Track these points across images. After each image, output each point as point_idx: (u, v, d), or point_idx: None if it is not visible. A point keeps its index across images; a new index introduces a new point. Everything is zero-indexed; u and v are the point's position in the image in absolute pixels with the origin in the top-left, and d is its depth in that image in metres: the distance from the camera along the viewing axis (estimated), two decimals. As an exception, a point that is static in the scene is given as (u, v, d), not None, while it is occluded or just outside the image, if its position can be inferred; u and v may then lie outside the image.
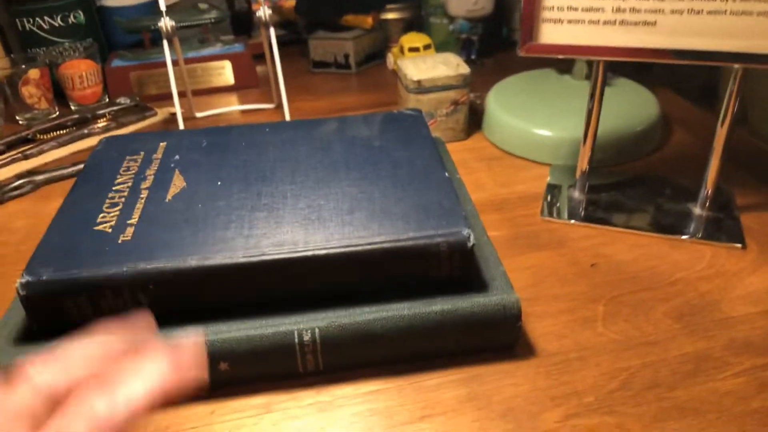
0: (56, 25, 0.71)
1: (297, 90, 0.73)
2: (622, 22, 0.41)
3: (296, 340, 0.33)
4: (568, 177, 0.53)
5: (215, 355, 0.33)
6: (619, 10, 0.41)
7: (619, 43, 0.42)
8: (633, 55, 0.42)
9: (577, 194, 0.50)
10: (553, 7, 0.42)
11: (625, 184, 0.52)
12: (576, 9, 0.42)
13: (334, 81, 0.77)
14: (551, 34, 0.43)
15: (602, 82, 0.46)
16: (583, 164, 0.49)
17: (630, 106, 0.58)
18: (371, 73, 0.78)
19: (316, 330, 0.34)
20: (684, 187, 0.51)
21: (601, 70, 0.45)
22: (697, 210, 0.48)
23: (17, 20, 0.71)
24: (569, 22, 0.42)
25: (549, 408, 0.33)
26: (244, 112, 0.70)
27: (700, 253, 0.44)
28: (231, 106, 0.71)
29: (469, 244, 0.35)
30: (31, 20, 0.71)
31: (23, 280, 0.33)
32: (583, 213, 0.48)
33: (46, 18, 0.71)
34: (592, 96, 0.46)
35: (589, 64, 0.61)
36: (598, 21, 0.42)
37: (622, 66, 0.50)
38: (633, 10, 0.41)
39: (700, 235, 0.45)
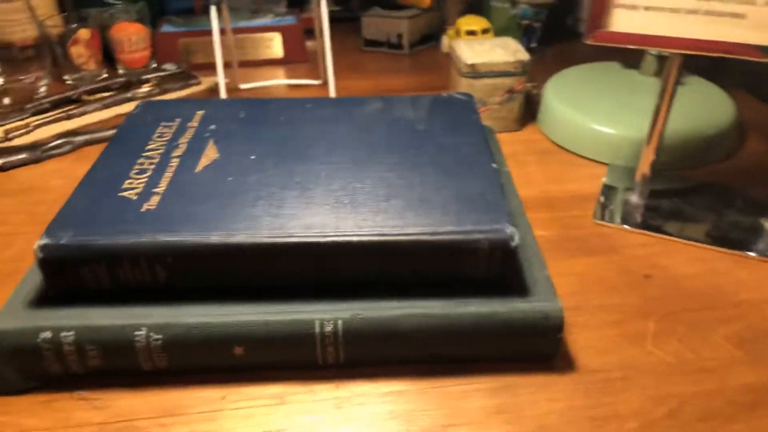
0: (110, -14, 0.71)
1: (346, 68, 0.71)
2: (706, 12, 0.37)
3: (317, 330, 0.31)
4: (627, 179, 0.49)
5: (230, 338, 0.31)
6: (703, -3, 0.37)
7: (701, 36, 0.38)
8: (715, 49, 0.37)
9: (635, 198, 0.46)
10: (628, -10, 0.38)
11: (689, 191, 0.48)
12: (654, -7, 0.38)
13: (385, 61, 0.74)
14: (624, 21, 0.39)
15: (675, 79, 0.41)
16: (644, 166, 0.45)
17: (701, 107, 0.53)
18: (424, 55, 0.75)
19: (339, 321, 0.31)
20: (756, 200, 0.46)
21: (676, 64, 0.41)
22: (769, 226, 0.43)
23: (73, -21, 0.71)
24: (646, 9, 0.38)
25: (586, 429, 0.30)
26: (289, 86, 0.68)
27: (771, 274, 0.39)
28: (276, 80, 0.69)
29: (512, 244, 0.31)
30: (86, -20, 0.70)
31: (41, 243, 0.32)
32: (640, 219, 0.44)
33: (100, -22, 0.70)
34: (662, 93, 0.42)
35: (660, 59, 0.56)
36: (679, 9, 0.38)
37: (695, 63, 0.45)
38: (720, -2, 0.36)
39: (771, 254, 0.41)
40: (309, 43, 0.75)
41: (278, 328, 0.31)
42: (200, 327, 0.31)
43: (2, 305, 0.33)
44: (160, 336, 0.31)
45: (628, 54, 0.57)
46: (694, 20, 0.38)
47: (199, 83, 0.65)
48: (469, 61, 0.53)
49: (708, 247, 0.42)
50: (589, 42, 0.41)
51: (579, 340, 0.35)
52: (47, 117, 0.58)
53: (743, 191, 0.47)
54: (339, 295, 0.32)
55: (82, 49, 0.67)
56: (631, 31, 0.39)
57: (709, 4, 0.37)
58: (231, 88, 0.64)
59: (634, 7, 0.39)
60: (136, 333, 0.31)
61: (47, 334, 0.31)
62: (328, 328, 0.31)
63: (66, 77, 0.68)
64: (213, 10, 0.55)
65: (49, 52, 0.65)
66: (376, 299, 0.32)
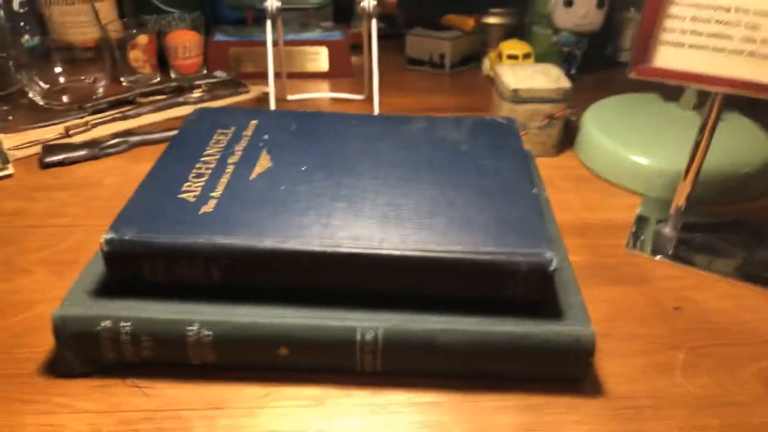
0: (169, -5, 0.74)
1: (388, 84, 0.73)
2: (750, 54, 0.38)
3: (358, 338, 0.33)
4: (661, 210, 0.50)
5: (276, 339, 0.33)
6: (749, 39, 0.38)
7: (744, 76, 0.39)
8: (758, 91, 0.39)
9: (668, 230, 0.47)
10: (674, 29, 0.40)
11: (723, 226, 0.48)
12: (700, 34, 0.39)
13: (426, 79, 0.76)
14: (668, 57, 0.40)
15: (717, 115, 0.42)
16: (680, 199, 0.46)
17: (739, 144, 0.54)
18: (465, 76, 0.77)
19: (380, 331, 0.33)
20: (791, 240, 0.46)
21: (718, 102, 0.42)
22: (803, 267, 0.44)
23: (134, -14, 0.74)
24: (690, 47, 0.40)
25: (612, 454, 0.31)
26: (333, 100, 0.70)
27: (802, 314, 0.40)
28: (322, 93, 0.71)
29: (551, 268, 0.33)
30: (147, -12, 0.74)
31: (107, 237, 0.34)
32: (672, 251, 0.45)
33: (161, -13, 0.74)
34: (702, 129, 0.43)
35: (700, 93, 0.57)
36: (724, 49, 0.39)
37: (734, 99, 0.46)
38: (765, 41, 0.38)
39: (803, 295, 0.41)
40: (353, 58, 0.77)
41: (322, 332, 0.33)
42: (249, 327, 0.33)
43: (66, 293, 0.35)
44: (210, 332, 0.33)
45: (668, 87, 0.58)
46: (737, 60, 0.39)
47: (248, 91, 0.68)
48: (512, 86, 0.54)
49: (739, 283, 0.42)
50: (632, 76, 0.42)
51: (608, 366, 0.36)
52: (105, 116, 0.61)
53: (778, 230, 0.48)
54: (381, 305, 0.34)
55: (139, 54, 0.70)
56: (676, 68, 0.41)
57: (753, 46, 0.38)
58: (279, 99, 0.67)
59: (679, 45, 0.40)
60: (189, 328, 0.33)
61: (107, 323, 0.33)
62: (369, 337, 0.33)
63: (122, 79, 0.72)
64: (269, 23, 0.58)
65: (108, 55, 0.68)
66: (415, 312, 0.34)
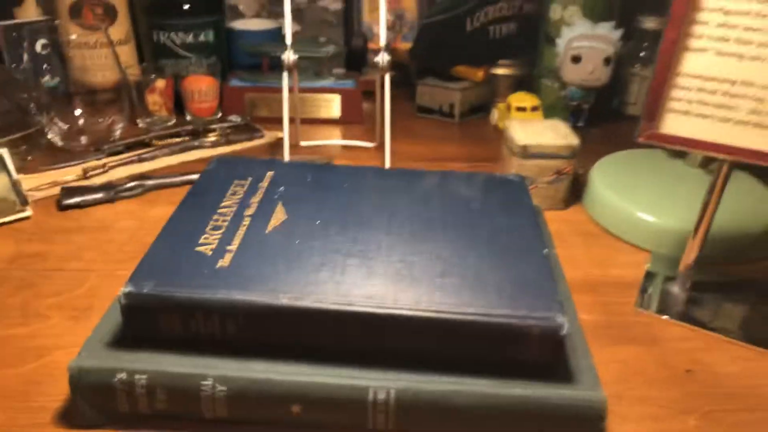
0: (187, 41, 0.76)
1: (398, 132, 0.74)
2: (756, 124, 0.39)
3: (370, 397, 0.33)
4: (670, 268, 0.50)
5: (289, 396, 0.33)
6: (755, 111, 0.39)
7: (750, 145, 0.40)
8: (764, 159, 0.40)
9: (677, 289, 0.48)
10: (681, 99, 0.41)
11: (732, 286, 0.49)
12: (707, 104, 0.40)
13: (435, 128, 0.77)
14: (676, 125, 0.41)
15: (724, 180, 0.43)
16: (688, 258, 0.47)
17: (747, 204, 0.55)
18: (473, 125, 0.79)
19: (392, 391, 0.33)
20: (798, 302, 0.47)
21: (726, 167, 0.43)
22: (811, 331, 0.44)
23: (154, 32, 0.76)
24: (697, 115, 0.41)
25: None
26: (345, 146, 0.71)
27: (812, 380, 0.40)
28: (334, 139, 0.73)
29: (562, 333, 0.33)
30: (166, 34, 0.76)
31: (126, 290, 0.34)
32: (681, 311, 0.46)
33: (180, 34, 0.76)
34: (711, 190, 0.44)
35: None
36: (730, 120, 0.40)
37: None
38: (771, 113, 0.39)
39: (812, 360, 0.41)
40: (364, 105, 0.79)
41: (334, 391, 0.33)
42: (263, 383, 0.33)
43: (83, 343, 0.35)
44: (224, 387, 0.33)
45: (675, 145, 0.59)
46: (744, 130, 0.40)
47: (262, 136, 0.69)
48: (522, 142, 0.55)
49: (749, 346, 0.43)
50: (640, 140, 0.43)
51: (619, 430, 0.36)
52: (122, 159, 0.63)
53: (785, 292, 0.48)
54: (393, 364, 0.34)
55: (157, 97, 0.72)
56: (682, 135, 0.42)
57: (759, 117, 0.39)
58: (292, 144, 0.68)
59: (686, 113, 0.41)
60: (203, 382, 0.33)
61: (123, 376, 0.33)
62: (381, 396, 0.33)
63: (139, 121, 0.73)
64: (285, 73, 0.60)
65: (127, 97, 0.70)
66: (427, 372, 0.34)
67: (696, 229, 0.45)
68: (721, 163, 0.43)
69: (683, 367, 0.40)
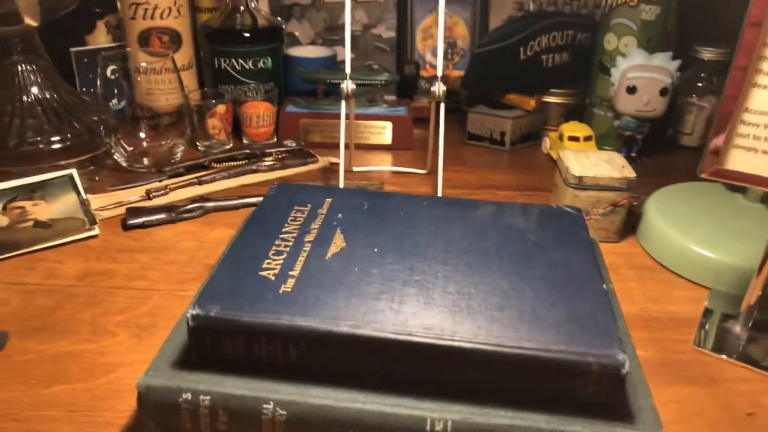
0: (247, 67, 0.79)
1: (448, 159, 0.75)
2: (826, 163, 0.38)
3: (428, 428, 0.33)
4: (730, 306, 0.49)
5: (347, 423, 0.34)
6: (825, 150, 0.38)
7: (820, 184, 0.39)
8: (835, 199, 0.39)
9: (738, 328, 0.46)
10: (748, 135, 0.40)
11: (795, 327, 0.47)
12: (775, 141, 0.40)
13: (486, 155, 0.78)
14: (741, 161, 0.41)
15: (790, 217, 0.42)
16: (752, 297, 0.46)
17: (811, 242, 0.53)
18: (524, 153, 0.79)
19: (449, 422, 0.33)
20: None
21: (791, 205, 0.42)
22: None
23: (215, 59, 0.80)
24: (764, 152, 0.40)
25: None
26: (395, 173, 0.72)
27: None
28: (385, 165, 0.74)
29: (623, 371, 0.33)
30: (227, 60, 0.79)
31: (194, 312, 0.36)
32: (742, 351, 0.44)
33: (240, 60, 0.79)
34: (774, 228, 0.43)
35: (768, 187, 0.57)
36: (799, 157, 0.39)
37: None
38: (843, 152, 0.38)
39: None
40: (415, 131, 0.80)
41: (392, 420, 0.34)
42: (322, 409, 0.34)
43: (151, 361, 0.37)
44: (284, 412, 0.34)
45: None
46: (813, 169, 0.39)
47: (316, 161, 0.71)
48: (577, 174, 0.55)
49: (816, 391, 0.41)
50: (703, 176, 0.42)
51: (678, 472, 0.35)
52: (182, 181, 0.65)
53: None
54: (451, 395, 0.34)
55: (217, 122, 0.74)
56: (748, 171, 0.41)
57: (830, 156, 0.38)
58: (345, 170, 0.69)
59: (753, 150, 0.41)
60: (264, 406, 0.34)
61: (188, 396, 0.35)
62: (438, 428, 0.33)
63: (198, 143, 0.76)
64: (343, 102, 0.61)
65: (188, 121, 0.73)
66: (485, 404, 0.34)
67: (760, 267, 0.44)
68: (788, 202, 0.42)
69: (744, 410, 0.39)
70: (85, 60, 0.83)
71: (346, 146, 0.69)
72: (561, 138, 0.72)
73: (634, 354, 0.39)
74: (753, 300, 0.45)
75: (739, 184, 0.42)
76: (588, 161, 0.57)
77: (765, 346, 0.45)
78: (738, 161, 0.41)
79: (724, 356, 0.44)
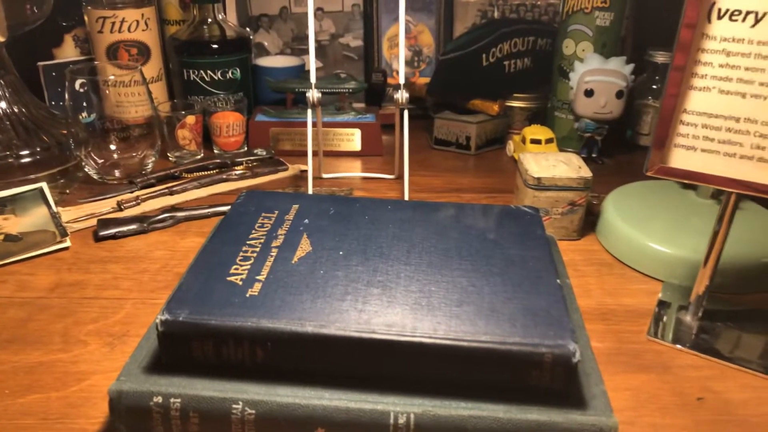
0: (216, 78, 0.80)
1: (416, 164, 0.77)
2: (760, 159, 0.41)
3: (391, 421, 0.35)
4: (681, 297, 0.51)
5: (314, 420, 0.35)
6: (758, 147, 0.41)
7: (754, 179, 0.41)
8: (766, 192, 0.41)
9: (689, 318, 0.49)
10: (688, 134, 0.43)
11: (743, 315, 0.50)
12: (712, 140, 0.42)
13: (452, 160, 0.80)
14: (683, 159, 0.43)
15: (732, 210, 0.45)
16: (700, 287, 0.48)
17: (757, 234, 0.56)
18: (489, 157, 0.81)
19: (412, 415, 0.35)
20: (810, 331, 0.48)
21: (733, 199, 0.44)
22: (822, 360, 0.45)
23: (184, 70, 0.81)
24: (703, 150, 0.43)
25: None
26: (365, 178, 0.74)
27: (822, 408, 0.41)
28: (354, 172, 0.75)
29: (574, 360, 0.35)
30: (196, 72, 0.80)
31: (163, 318, 0.37)
32: (693, 340, 0.47)
33: (208, 71, 0.80)
34: (719, 220, 0.46)
35: (718, 183, 0.59)
36: (735, 154, 0.42)
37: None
38: (774, 149, 0.40)
39: (823, 389, 0.42)
40: (384, 137, 0.82)
41: (357, 415, 0.35)
42: (289, 407, 0.35)
43: (122, 367, 0.38)
44: (253, 411, 0.35)
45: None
46: (748, 165, 0.42)
47: (286, 169, 0.72)
48: (536, 175, 0.57)
49: (759, 374, 0.44)
50: (649, 174, 0.45)
51: (631, 455, 0.37)
52: (154, 192, 0.66)
53: (797, 321, 0.49)
54: (413, 390, 0.36)
55: (186, 132, 0.75)
56: (689, 169, 0.43)
57: (762, 152, 0.41)
58: (315, 176, 0.71)
59: (693, 148, 0.43)
60: (234, 406, 0.36)
61: (159, 399, 0.36)
62: (402, 421, 0.35)
63: (169, 154, 0.77)
64: (309, 111, 0.63)
65: (158, 132, 0.73)
66: (445, 397, 0.36)
67: (706, 259, 0.47)
68: (728, 195, 0.44)
69: (694, 395, 0.42)
70: (53, 74, 0.83)
71: (315, 153, 0.71)
72: (524, 141, 0.75)
73: (587, 344, 0.41)
74: (701, 290, 0.48)
75: (681, 180, 0.44)
76: (546, 163, 0.59)
77: (715, 334, 0.48)
78: (680, 159, 0.44)
79: (675, 345, 0.46)
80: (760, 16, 0.39)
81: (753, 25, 0.40)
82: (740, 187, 0.42)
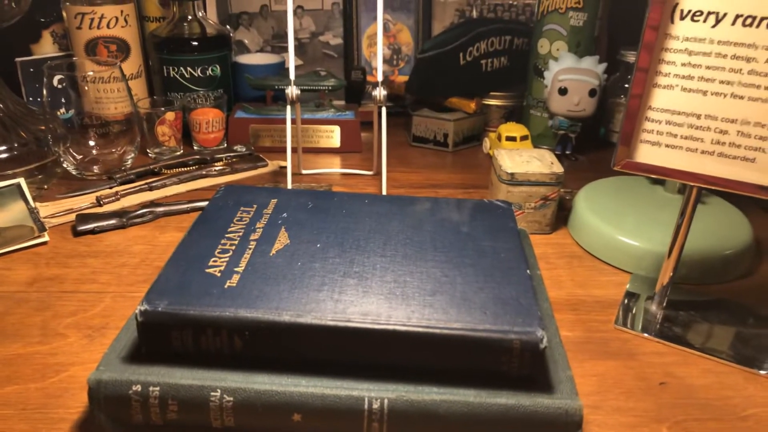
0: (196, 75, 0.81)
1: (394, 160, 0.78)
2: (720, 154, 0.43)
3: (366, 407, 0.36)
4: (648, 288, 0.53)
5: (291, 406, 0.36)
6: (718, 142, 0.43)
7: (715, 173, 0.43)
8: (728, 186, 0.43)
9: (654, 308, 0.51)
10: (652, 131, 0.44)
11: (706, 305, 0.52)
12: (675, 135, 0.44)
13: (430, 156, 0.81)
14: (648, 154, 0.45)
15: (694, 203, 0.47)
16: (664, 278, 0.50)
17: (721, 227, 0.58)
18: (466, 154, 0.82)
19: (386, 401, 0.36)
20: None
21: (695, 192, 0.46)
22: (779, 346, 0.47)
23: (164, 67, 0.81)
24: (667, 146, 0.44)
25: None
26: (344, 174, 0.75)
27: (777, 392, 0.43)
28: (333, 168, 0.76)
29: (541, 346, 0.36)
30: (176, 69, 0.80)
31: (142, 308, 0.38)
32: (658, 328, 0.49)
33: (188, 68, 0.80)
34: (682, 213, 0.47)
35: (684, 179, 0.62)
36: (696, 150, 0.43)
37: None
38: (732, 144, 0.42)
39: (779, 373, 0.44)
40: (363, 134, 0.83)
41: (332, 401, 0.36)
42: (266, 394, 0.36)
43: (101, 357, 0.38)
44: (231, 398, 0.36)
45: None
46: (709, 159, 0.43)
47: (266, 165, 0.73)
48: (509, 170, 0.59)
49: (720, 361, 0.45)
50: (616, 168, 0.46)
51: (596, 437, 0.39)
52: (133, 187, 0.66)
53: (756, 310, 0.51)
54: (387, 376, 0.37)
55: (166, 129, 0.76)
56: (655, 164, 0.45)
57: (722, 147, 0.43)
58: (294, 173, 0.72)
59: (657, 144, 0.45)
60: (212, 393, 0.36)
61: (138, 387, 0.36)
62: (376, 406, 0.36)
63: (149, 151, 0.77)
64: (288, 107, 0.64)
65: (138, 129, 0.74)
66: (419, 383, 0.37)
67: (670, 251, 0.49)
68: (690, 189, 0.46)
69: (657, 380, 0.43)
70: (31, 70, 0.83)
71: (294, 150, 0.72)
72: (499, 138, 0.76)
73: (556, 332, 0.43)
74: (666, 281, 0.50)
75: (646, 175, 0.46)
76: (520, 158, 0.61)
77: (678, 323, 0.49)
78: (645, 154, 0.45)
79: (641, 333, 0.48)
80: (720, 16, 0.41)
81: (714, 26, 0.42)
82: (701, 181, 0.44)
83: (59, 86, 0.73)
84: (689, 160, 0.44)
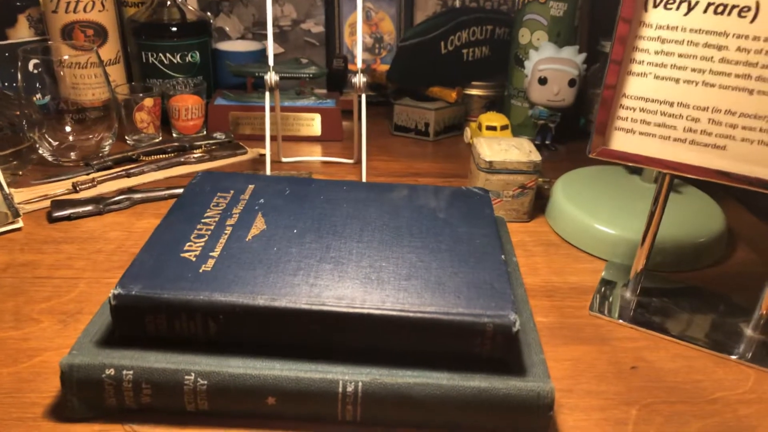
0: (175, 61, 0.80)
1: (376, 149, 0.78)
2: (692, 142, 0.43)
3: (340, 390, 0.36)
4: (623, 276, 0.54)
5: (265, 389, 0.36)
6: (690, 130, 0.43)
7: (688, 161, 0.44)
8: (700, 174, 0.44)
9: (628, 294, 0.51)
10: (627, 118, 0.45)
11: (678, 292, 0.53)
12: (649, 123, 0.44)
13: (411, 145, 0.81)
14: (622, 142, 0.46)
15: (667, 191, 0.47)
16: (638, 265, 0.51)
17: (694, 216, 0.59)
18: (447, 143, 0.83)
19: (359, 383, 0.36)
20: (739, 306, 0.51)
21: (667, 180, 0.47)
22: (748, 331, 0.48)
23: (143, 53, 0.80)
24: (641, 133, 0.45)
25: (567, 501, 0.34)
26: (324, 162, 0.75)
27: (745, 375, 0.44)
28: (314, 156, 0.76)
29: (514, 329, 0.37)
30: (155, 55, 0.79)
31: (116, 291, 0.37)
32: (632, 314, 0.49)
33: (167, 54, 0.79)
34: (655, 201, 0.48)
35: (660, 168, 0.62)
36: (669, 137, 0.44)
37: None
38: (704, 132, 0.43)
39: (748, 357, 0.45)
40: (344, 123, 0.82)
41: (306, 384, 0.36)
42: (240, 377, 0.36)
43: (74, 342, 0.38)
44: (205, 382, 0.36)
45: (632, 161, 0.63)
46: (681, 147, 0.44)
47: (245, 153, 0.72)
48: (488, 159, 0.59)
49: (691, 346, 0.46)
50: (591, 156, 0.47)
51: (567, 420, 0.39)
52: (110, 174, 0.65)
53: (727, 297, 0.52)
54: (361, 360, 0.38)
55: (144, 115, 0.75)
56: (628, 151, 0.46)
57: (693, 135, 0.43)
58: (274, 160, 0.71)
59: (631, 131, 0.45)
60: (186, 377, 0.36)
61: (111, 371, 0.36)
62: (350, 389, 0.36)
63: (127, 138, 0.76)
64: (267, 94, 0.63)
65: (115, 115, 0.73)
66: (393, 366, 0.37)
67: (643, 239, 0.49)
68: (663, 176, 0.47)
69: (629, 364, 0.44)
70: (6, 54, 0.81)
71: (274, 137, 0.71)
72: (480, 128, 0.77)
73: (530, 317, 0.43)
74: (639, 268, 0.50)
75: (622, 162, 0.46)
76: (499, 147, 0.61)
77: (651, 309, 0.50)
78: (619, 142, 0.46)
79: (614, 319, 0.49)
80: (692, 4, 0.42)
81: (686, 14, 0.42)
82: (674, 168, 0.44)
83: (35, 71, 0.71)
84: (662, 148, 0.45)
